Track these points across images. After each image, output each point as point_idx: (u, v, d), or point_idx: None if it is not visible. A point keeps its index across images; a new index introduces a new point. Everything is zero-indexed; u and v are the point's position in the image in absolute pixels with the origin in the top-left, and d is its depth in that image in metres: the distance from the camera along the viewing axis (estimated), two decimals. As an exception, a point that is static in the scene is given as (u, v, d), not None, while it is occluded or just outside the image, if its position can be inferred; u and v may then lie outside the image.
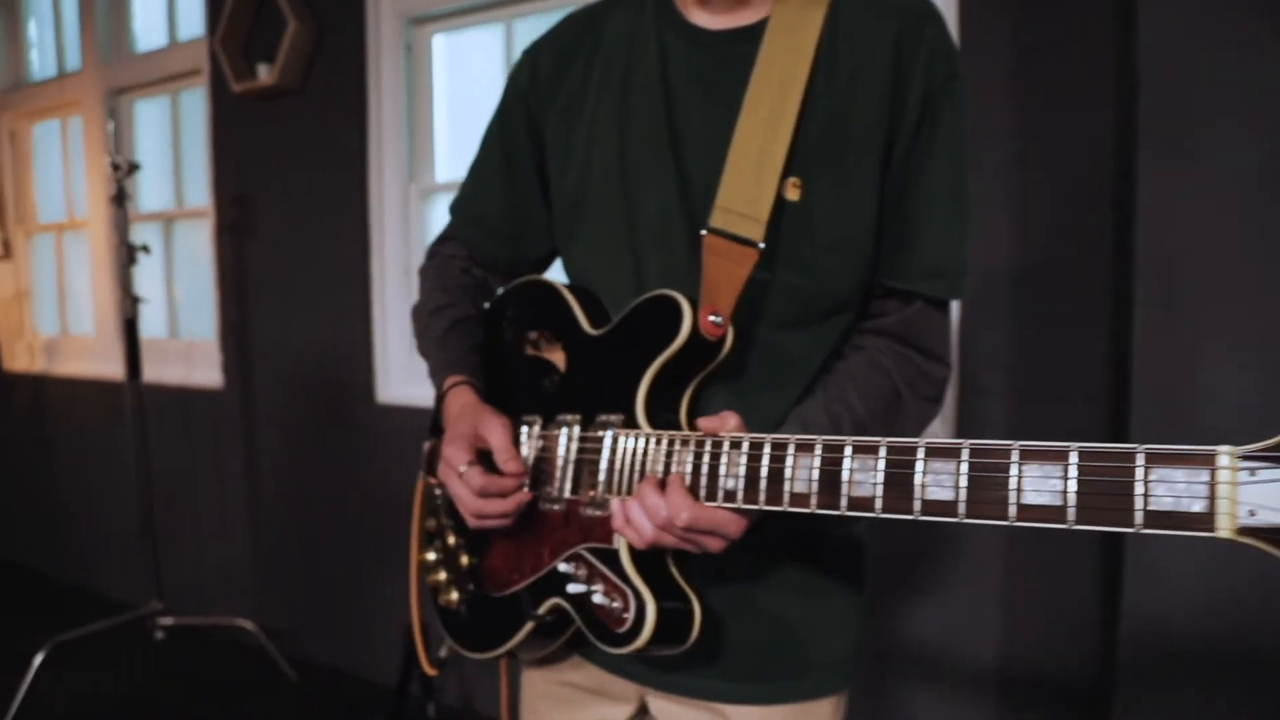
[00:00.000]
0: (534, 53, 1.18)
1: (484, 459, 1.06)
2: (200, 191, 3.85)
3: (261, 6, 3.28)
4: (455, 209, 1.29)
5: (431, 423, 1.22)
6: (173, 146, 3.92)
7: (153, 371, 3.86)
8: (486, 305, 1.28)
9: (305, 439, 3.32)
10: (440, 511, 1.24)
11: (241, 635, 3.46)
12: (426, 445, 1.27)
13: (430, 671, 1.33)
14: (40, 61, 4.64)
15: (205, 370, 3.65)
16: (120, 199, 3.09)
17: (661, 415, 0.99)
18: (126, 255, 3.09)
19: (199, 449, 3.66)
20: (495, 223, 1.24)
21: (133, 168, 3.09)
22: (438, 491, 1.24)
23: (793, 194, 0.97)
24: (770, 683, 1.06)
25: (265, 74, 3.18)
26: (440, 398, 1.16)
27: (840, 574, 1.10)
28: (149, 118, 4.13)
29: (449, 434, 1.08)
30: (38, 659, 3.02)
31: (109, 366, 4.11)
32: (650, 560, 0.97)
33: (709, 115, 1.02)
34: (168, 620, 3.28)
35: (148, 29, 4.08)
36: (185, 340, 3.82)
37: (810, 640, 1.07)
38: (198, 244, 3.83)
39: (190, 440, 3.68)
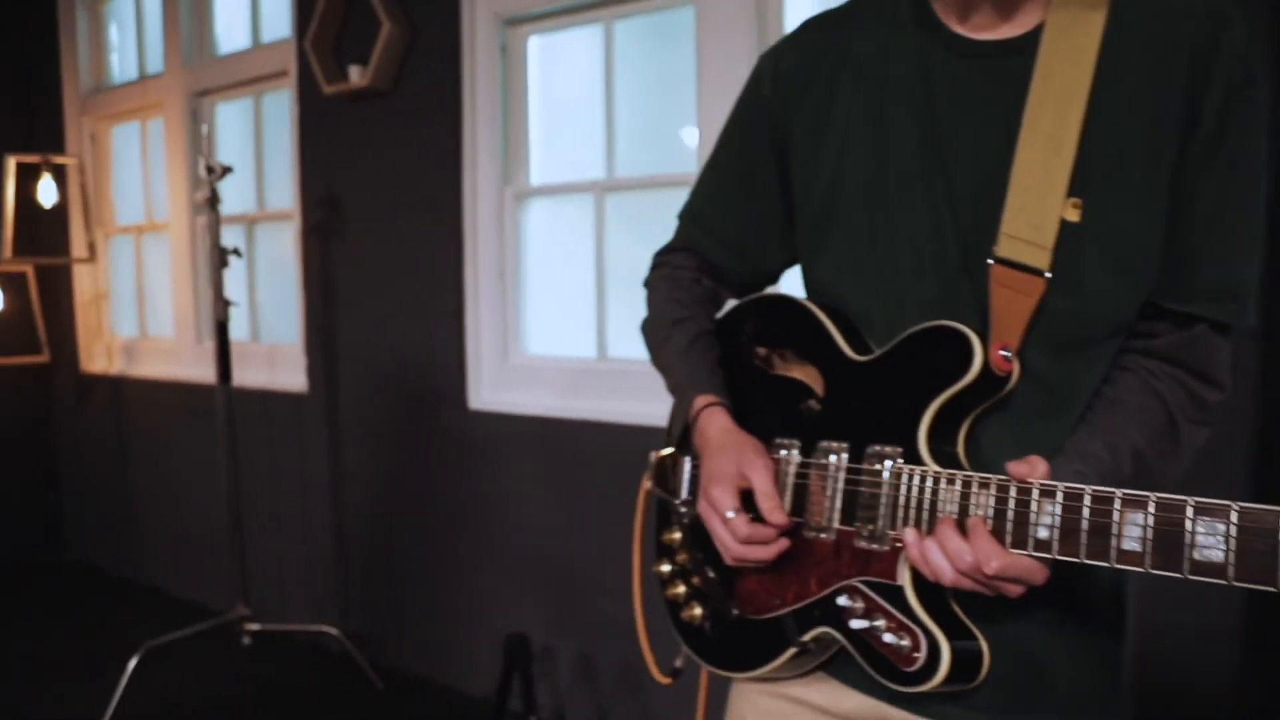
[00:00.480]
0: (775, 61, 1.13)
1: (744, 495, 1.05)
2: (282, 194, 3.84)
3: (351, 8, 3.26)
4: (688, 220, 1.25)
5: (668, 434, 1.22)
6: (255, 149, 3.91)
7: (235, 374, 3.84)
8: (719, 316, 1.25)
9: (392, 444, 3.29)
10: (683, 528, 1.22)
11: (326, 641, 3.44)
12: (654, 455, 1.25)
13: (664, 680, 1.29)
14: (120, 65, 4.67)
15: (288, 374, 3.63)
16: (213, 202, 3.07)
17: (940, 449, 0.95)
18: (219, 259, 3.07)
19: (281, 453, 3.65)
20: (732, 235, 1.20)
21: (225, 171, 3.08)
22: (683, 510, 1.21)
23: (1072, 214, 0.91)
24: (1029, 716, 1.00)
25: (357, 76, 3.16)
26: (690, 416, 1.14)
27: (1104, 611, 1.04)
28: (227, 120, 4.14)
29: (711, 469, 1.07)
30: (131, 663, 3.00)
31: (188, 369, 4.12)
32: (933, 596, 0.93)
33: (979, 132, 0.96)
34: (254, 626, 3.25)
35: (229, 32, 4.09)
36: (267, 343, 3.81)
37: (1073, 681, 1.02)
38: (279, 247, 3.81)
39: (273, 444, 3.66)
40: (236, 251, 3.11)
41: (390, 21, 3.04)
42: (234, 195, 4.04)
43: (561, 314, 3.00)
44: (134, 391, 4.40)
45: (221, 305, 3.10)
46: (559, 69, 3.04)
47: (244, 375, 3.71)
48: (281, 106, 3.84)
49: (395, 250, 3.21)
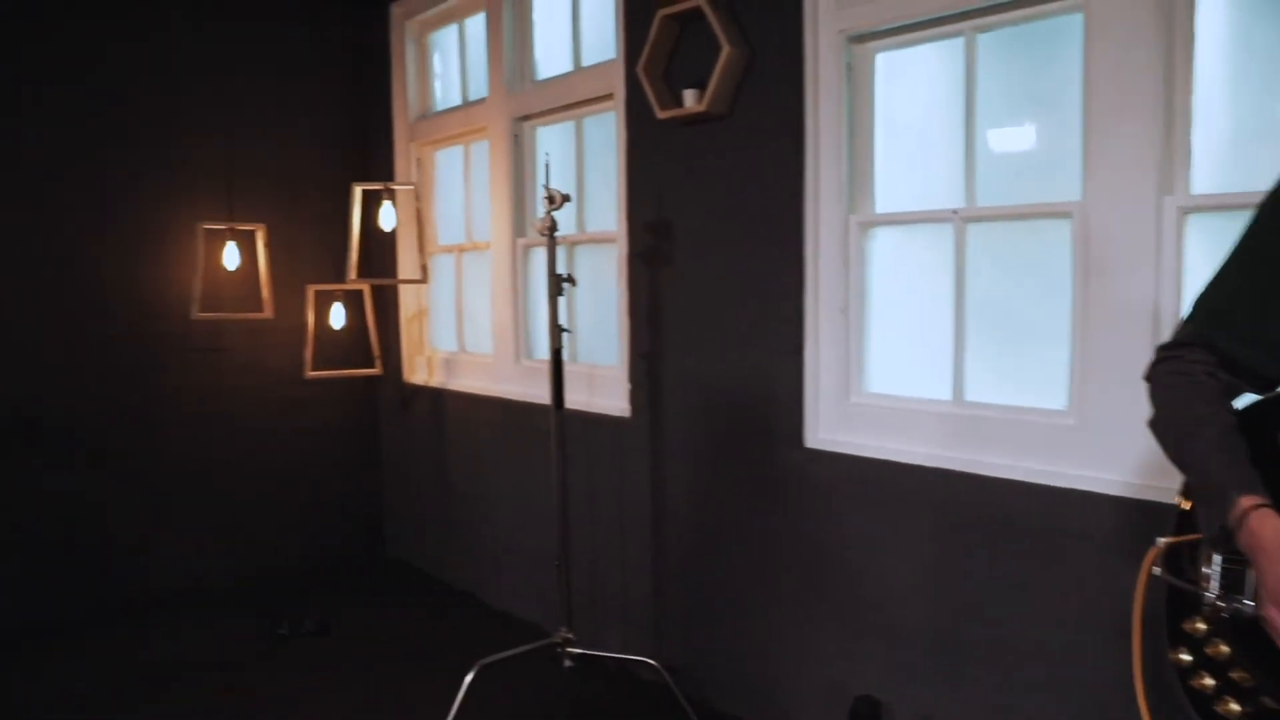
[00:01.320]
0: None
1: None
2: (601, 217, 3.87)
3: (685, 32, 3.21)
4: (1208, 319, 1.30)
5: (1179, 526, 1.33)
6: (575, 172, 3.97)
7: (547, 392, 3.91)
8: (1239, 408, 1.29)
9: (718, 476, 3.21)
10: (1213, 621, 1.24)
11: (642, 671, 3.43)
12: (1162, 542, 1.33)
13: None
14: (442, 92, 4.92)
15: (609, 397, 3.65)
16: (552, 231, 3.11)
17: None
18: (555, 287, 3.11)
19: (600, 476, 3.67)
20: (1265, 336, 1.24)
21: (564, 199, 3.10)
22: (1218, 603, 1.22)
23: None
24: None
25: (693, 100, 3.10)
26: (1233, 516, 1.16)
27: None
28: (546, 143, 4.23)
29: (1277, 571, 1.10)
30: (468, 678, 3.10)
31: (506, 386, 4.25)
32: None
33: None
34: (576, 650, 3.28)
35: (548, 57, 4.18)
36: (586, 365, 3.84)
37: None
38: (599, 269, 3.84)
39: (591, 466, 3.69)
40: (571, 279, 3.13)
41: (730, 44, 2.96)
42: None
43: (910, 352, 2.80)
44: (452, 404, 4.61)
45: (556, 332, 3.14)
46: (907, 87, 2.83)
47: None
48: (600, 129, 3.88)
49: (728, 279, 3.12)
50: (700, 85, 3.09)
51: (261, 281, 4.42)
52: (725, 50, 2.97)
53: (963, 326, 2.63)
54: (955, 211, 2.62)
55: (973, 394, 2.63)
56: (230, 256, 4.39)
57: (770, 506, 3.04)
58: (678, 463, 3.36)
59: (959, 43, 2.66)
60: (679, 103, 3.17)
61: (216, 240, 4.39)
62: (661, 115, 3.20)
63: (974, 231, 2.62)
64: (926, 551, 2.63)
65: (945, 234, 2.67)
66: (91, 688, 3.59)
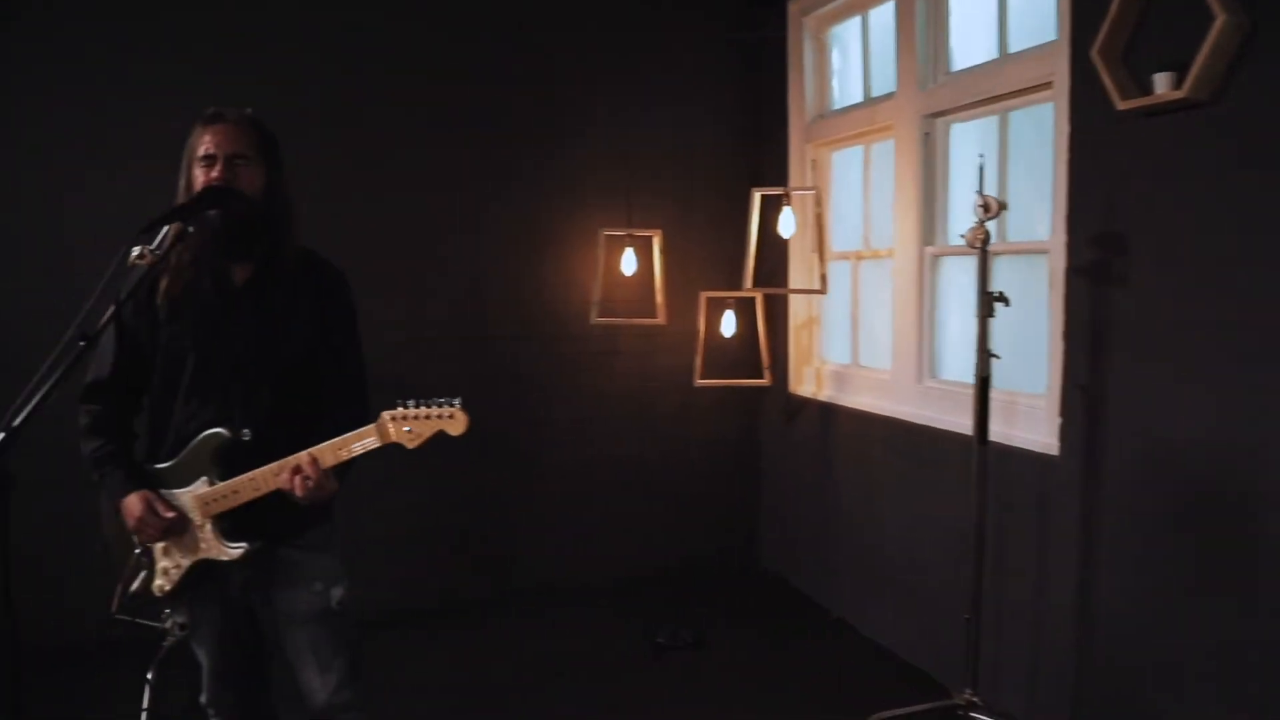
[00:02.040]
0: None
1: None
2: (1022, 224, 3.41)
3: (1151, 3, 2.68)
4: None
5: None
6: (998, 173, 3.52)
7: (953, 417, 3.53)
8: None
9: (1175, 541, 2.65)
10: None
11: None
12: None
13: None
14: (840, 90, 4.65)
15: (1031, 430, 3.18)
16: (985, 243, 2.73)
17: None
18: (986, 307, 2.73)
19: (1015, 517, 3.22)
20: None
21: (1001, 208, 2.72)
22: None
23: None
24: None
25: (1165, 86, 2.57)
26: None
27: None
28: (961, 141, 3.82)
29: None
30: (862, 734, 2.84)
31: (902, 406, 3.91)
32: None
33: None
34: (981, 716, 2.89)
35: (965, 45, 3.77)
36: (1003, 390, 3.37)
37: None
38: (1019, 283, 3.36)
39: (1004, 506, 3.24)
40: (1003, 298, 2.74)
41: (1225, 12, 2.41)
42: (964, 220, 3.72)
43: None
44: (841, 420, 4.35)
45: (985, 358, 2.76)
46: None
47: (965, 420, 3.34)
48: (1024, 124, 3.42)
49: (1205, 304, 2.56)
50: (1177, 67, 2.56)
51: (656, 287, 4.42)
52: (1219, 20, 2.42)
53: None
54: None
55: None
56: (628, 262, 4.43)
57: (1249, 595, 2.44)
58: (1117, 516, 2.84)
59: None
60: (1145, 89, 2.66)
61: (615, 246, 4.45)
62: (1122, 105, 2.70)
63: None
64: None
65: None
66: (486, 670, 3.77)
